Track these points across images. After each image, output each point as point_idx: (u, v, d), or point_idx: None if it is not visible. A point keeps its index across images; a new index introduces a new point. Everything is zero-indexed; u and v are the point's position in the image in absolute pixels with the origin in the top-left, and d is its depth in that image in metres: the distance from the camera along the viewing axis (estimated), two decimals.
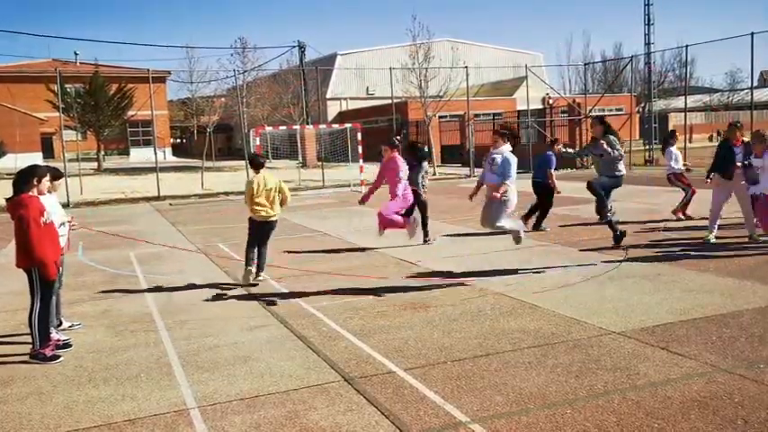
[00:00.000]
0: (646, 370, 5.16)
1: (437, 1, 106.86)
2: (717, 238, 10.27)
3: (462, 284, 8.31)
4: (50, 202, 6.52)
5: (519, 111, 37.73)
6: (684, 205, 12.94)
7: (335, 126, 34.25)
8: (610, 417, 4.39)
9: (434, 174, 29.09)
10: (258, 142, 24.23)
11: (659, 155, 30.84)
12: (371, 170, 29.52)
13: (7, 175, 21.97)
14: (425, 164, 11.45)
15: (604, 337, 6.00)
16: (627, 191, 17.98)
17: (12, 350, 6.43)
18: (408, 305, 7.45)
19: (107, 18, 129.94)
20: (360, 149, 25.00)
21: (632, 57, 32.63)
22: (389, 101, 30.56)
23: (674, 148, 13.20)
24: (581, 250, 10.19)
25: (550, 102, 37.21)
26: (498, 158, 8.23)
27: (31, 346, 6.14)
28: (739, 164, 10.06)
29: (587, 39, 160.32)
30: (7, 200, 6.22)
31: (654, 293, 7.44)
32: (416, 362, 5.61)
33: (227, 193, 24.69)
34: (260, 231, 9.00)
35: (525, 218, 12.12)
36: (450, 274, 8.91)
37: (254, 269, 8.91)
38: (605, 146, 9.33)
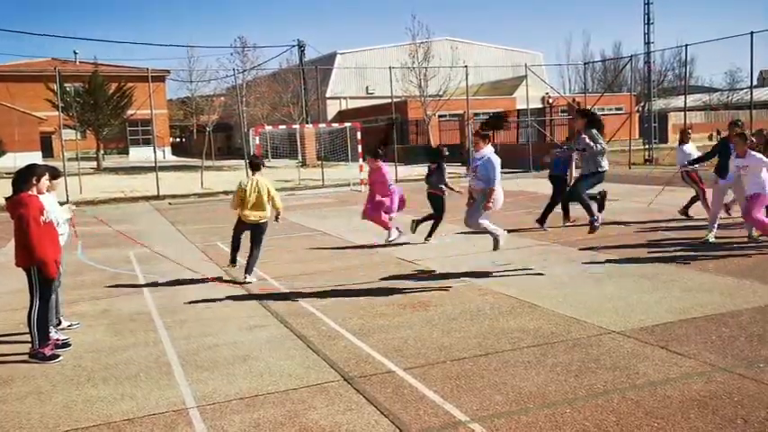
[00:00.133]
0: (645, 369, 5.17)
1: (437, 0, 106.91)
2: (716, 237, 10.27)
3: (462, 284, 8.31)
4: (49, 202, 6.52)
5: (519, 110, 37.73)
6: (688, 205, 12.87)
7: (335, 125, 34.24)
8: (609, 416, 4.39)
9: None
10: (258, 141, 24.23)
11: (658, 154, 30.94)
12: None
13: (6, 174, 21.97)
14: (445, 165, 11.49)
15: (604, 337, 6.00)
16: (626, 190, 18.01)
17: (11, 349, 6.42)
18: (408, 304, 7.45)
19: (107, 17, 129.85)
20: (359, 149, 24.99)
21: (632, 56, 32.64)
22: (389, 100, 30.53)
23: (686, 147, 13.09)
24: (580, 249, 10.19)
25: (550, 101, 37.27)
26: (480, 164, 8.01)
27: (30, 345, 6.14)
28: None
29: (587, 38, 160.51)
30: (7, 199, 6.21)
31: (653, 292, 7.44)
32: (416, 361, 5.61)
33: (226, 193, 24.65)
34: (247, 231, 9.15)
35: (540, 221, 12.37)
36: (449, 274, 8.91)
37: (235, 265, 9.29)
38: (587, 140, 8.89)
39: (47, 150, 50.45)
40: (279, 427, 4.49)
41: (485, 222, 8.15)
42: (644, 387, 4.83)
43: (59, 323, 6.96)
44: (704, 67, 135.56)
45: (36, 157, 39.31)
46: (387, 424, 4.46)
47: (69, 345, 6.44)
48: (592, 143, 8.83)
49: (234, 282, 9.13)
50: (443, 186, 11.20)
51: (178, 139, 75.78)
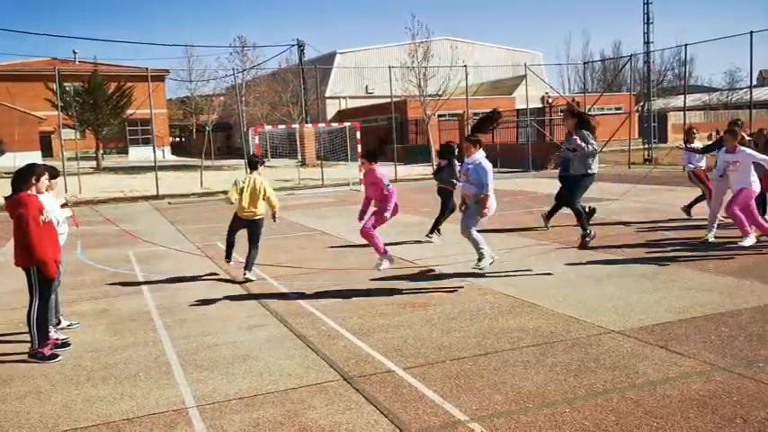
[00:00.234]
0: (645, 369, 5.17)
1: (436, 0, 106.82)
2: (716, 237, 10.27)
3: (461, 283, 8.31)
4: (48, 201, 6.52)
5: (518, 109, 37.72)
6: (693, 203, 12.83)
7: (335, 125, 34.23)
8: (609, 415, 4.39)
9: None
10: (257, 141, 24.21)
11: (658, 154, 30.94)
12: None
13: (6, 173, 21.95)
14: (456, 162, 11.56)
15: (603, 336, 6.01)
16: (625, 189, 18.00)
17: (10, 349, 6.42)
18: (407, 304, 7.45)
19: (107, 17, 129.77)
20: (359, 148, 24.96)
21: (631, 56, 32.65)
22: (389, 99, 30.53)
23: (692, 146, 13.04)
24: (579, 249, 10.16)
25: (549, 101, 37.22)
26: (472, 168, 7.90)
27: (29, 345, 6.14)
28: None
29: (587, 38, 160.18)
30: (6, 198, 6.21)
31: (653, 292, 7.44)
32: (415, 361, 5.61)
33: (226, 192, 24.66)
34: (243, 227, 9.29)
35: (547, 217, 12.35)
36: (449, 274, 8.91)
37: (231, 262, 9.47)
38: (579, 140, 8.67)
39: (46, 150, 50.39)
40: (278, 427, 4.49)
41: (478, 237, 7.96)
42: (643, 386, 4.83)
43: (59, 323, 6.95)
44: (704, 67, 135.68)
45: (36, 157, 39.24)
46: (386, 423, 4.46)
47: (69, 344, 6.44)
48: (583, 144, 8.64)
49: (233, 281, 9.13)
50: (454, 181, 11.31)
51: (177, 139, 75.75)
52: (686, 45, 28.49)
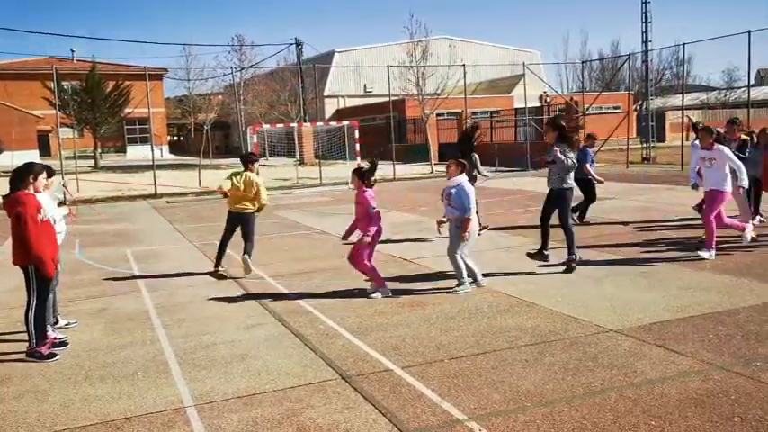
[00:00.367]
0: (643, 367, 5.17)
1: None
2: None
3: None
4: (46, 200, 6.51)
5: (516, 108, 37.75)
6: (702, 202, 12.82)
7: (333, 124, 34.26)
8: (607, 414, 4.39)
9: (432, 171, 29.12)
10: (255, 140, 24.24)
11: (656, 153, 30.95)
12: None
13: (4, 172, 21.92)
14: (476, 155, 11.53)
15: (601, 335, 6.01)
16: (624, 189, 18.03)
17: (8, 348, 6.42)
18: (406, 303, 7.45)
19: (106, 16, 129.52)
20: (357, 147, 25.00)
21: (629, 55, 32.71)
22: (387, 98, 30.52)
23: (698, 143, 13.00)
24: (577, 248, 10.17)
25: (548, 100, 37.24)
26: (454, 192, 7.81)
27: (27, 344, 6.13)
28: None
29: (585, 37, 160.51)
30: (4, 197, 6.20)
31: (651, 291, 7.45)
32: (414, 360, 5.61)
33: (220, 188, 24.62)
34: (236, 222, 9.48)
35: (580, 218, 12.42)
36: (447, 273, 8.90)
37: (221, 269, 9.52)
38: (557, 153, 8.50)
39: (44, 149, 50.31)
40: (276, 426, 4.49)
41: (461, 263, 7.87)
42: (641, 385, 4.84)
43: (57, 322, 6.95)
44: (702, 66, 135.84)
45: (33, 156, 39.16)
46: (384, 422, 4.46)
47: (67, 343, 6.44)
48: (562, 157, 8.51)
49: (230, 276, 9.13)
50: (476, 175, 11.35)
51: (176, 138, 75.68)
52: (684, 44, 28.50)
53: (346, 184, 25.33)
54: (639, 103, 42.62)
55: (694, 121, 12.88)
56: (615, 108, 45.61)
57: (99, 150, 45.04)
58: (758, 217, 11.46)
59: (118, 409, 4.90)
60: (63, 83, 38.70)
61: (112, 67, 49.74)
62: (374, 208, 7.69)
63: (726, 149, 9.29)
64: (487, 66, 44.85)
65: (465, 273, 7.88)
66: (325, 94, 52.73)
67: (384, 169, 29.52)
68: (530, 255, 8.96)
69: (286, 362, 5.73)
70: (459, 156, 11.48)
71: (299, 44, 40.63)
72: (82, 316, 7.50)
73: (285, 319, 7.06)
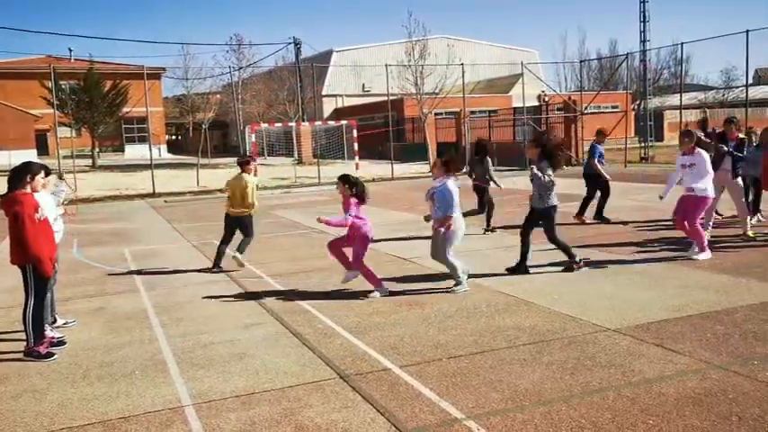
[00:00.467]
0: (641, 367, 5.18)
1: None
2: (711, 236, 10.28)
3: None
4: (44, 200, 6.50)
5: (515, 108, 37.74)
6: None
7: (331, 123, 34.26)
8: (605, 413, 4.39)
9: (430, 171, 29.10)
10: (254, 139, 24.22)
11: (654, 152, 30.99)
12: (367, 167, 29.55)
13: (1, 171, 21.89)
14: (488, 159, 12.31)
15: (599, 334, 6.01)
16: (623, 188, 18.03)
17: (6, 347, 6.41)
18: (404, 302, 7.45)
19: (106, 16, 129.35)
20: (356, 146, 24.99)
21: (628, 54, 32.73)
22: (385, 98, 30.50)
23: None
24: (576, 247, 10.18)
25: (546, 99, 37.25)
26: (438, 192, 7.77)
27: (25, 343, 6.12)
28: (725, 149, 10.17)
29: (583, 36, 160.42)
30: (1, 197, 6.19)
31: (649, 290, 7.45)
32: (412, 359, 5.61)
33: (222, 191, 24.63)
34: (234, 226, 9.82)
35: (578, 215, 12.63)
36: (446, 272, 8.89)
37: (216, 271, 9.65)
38: (534, 170, 8.49)
39: (42, 148, 50.28)
40: (274, 425, 4.49)
41: (455, 262, 7.86)
42: (639, 384, 4.84)
43: (55, 321, 6.94)
44: (700, 66, 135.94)
45: (31, 155, 39.17)
46: (383, 422, 4.46)
47: (65, 343, 6.43)
48: (540, 174, 8.44)
49: (226, 272, 9.17)
50: (489, 179, 12.05)
51: (174, 137, 75.59)
52: (682, 43, 28.55)
53: None
54: (638, 102, 42.69)
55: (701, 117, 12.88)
56: (613, 107, 45.67)
57: (97, 149, 45.02)
58: (758, 216, 11.48)
59: (116, 408, 4.89)
60: (61, 82, 38.65)
61: (110, 66, 49.70)
62: (351, 214, 7.60)
63: (706, 155, 9.17)
64: (486, 65, 44.87)
65: (460, 271, 7.88)
66: (324, 93, 52.73)
67: (382, 168, 29.58)
68: (510, 270, 8.85)
69: (284, 361, 5.73)
70: (477, 159, 12.03)
71: (297, 43, 40.62)
72: (80, 315, 7.49)
73: (283, 318, 7.06)
